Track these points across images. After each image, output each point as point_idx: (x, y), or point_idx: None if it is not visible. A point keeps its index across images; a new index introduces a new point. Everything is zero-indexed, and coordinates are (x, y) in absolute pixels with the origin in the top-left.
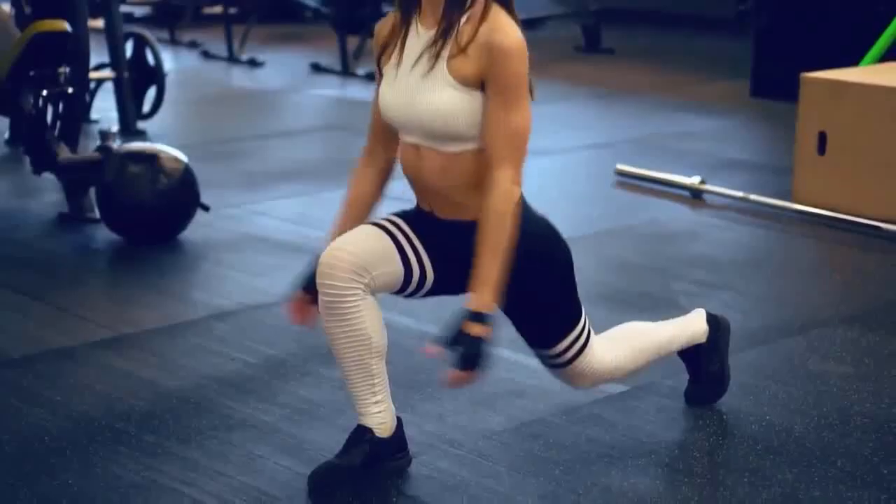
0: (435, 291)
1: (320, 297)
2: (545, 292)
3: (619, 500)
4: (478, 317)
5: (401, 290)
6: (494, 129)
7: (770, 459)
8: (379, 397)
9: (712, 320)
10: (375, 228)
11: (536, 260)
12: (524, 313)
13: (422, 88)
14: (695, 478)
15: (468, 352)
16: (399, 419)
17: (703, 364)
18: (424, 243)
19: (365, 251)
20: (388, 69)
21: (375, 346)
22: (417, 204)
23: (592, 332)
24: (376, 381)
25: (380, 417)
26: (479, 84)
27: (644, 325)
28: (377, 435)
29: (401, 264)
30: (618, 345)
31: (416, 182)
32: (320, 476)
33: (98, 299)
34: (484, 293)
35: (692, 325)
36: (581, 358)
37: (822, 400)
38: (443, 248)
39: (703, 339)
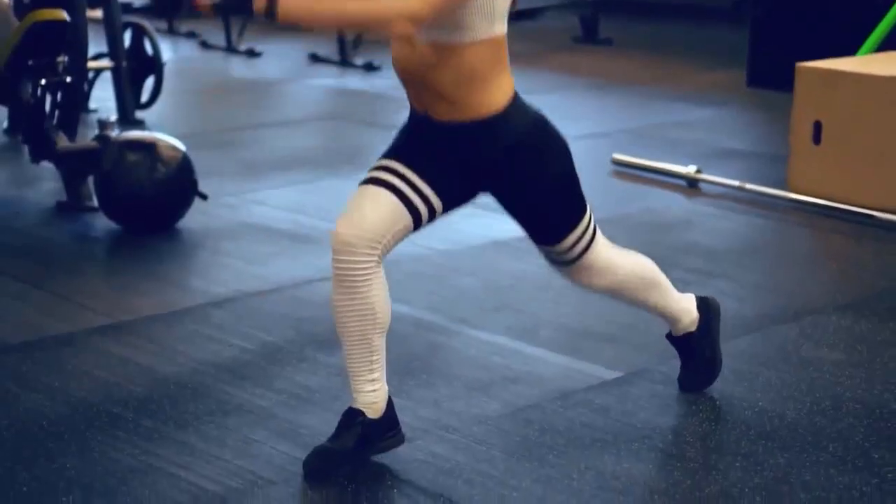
0: (447, 212)
1: (333, 271)
2: (546, 185)
3: (612, 484)
4: None
5: (416, 230)
6: None
7: (762, 444)
8: (375, 374)
9: (703, 306)
10: (377, 188)
11: (534, 151)
12: (528, 208)
13: None
14: (687, 462)
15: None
16: (389, 398)
17: (695, 350)
18: (423, 172)
19: (374, 222)
20: None
21: (380, 321)
22: (412, 110)
23: (599, 231)
24: (374, 357)
25: (373, 396)
26: None
27: (651, 262)
28: (368, 416)
29: (408, 215)
30: (631, 255)
31: (410, 81)
32: (314, 461)
33: (96, 287)
34: None
35: (682, 302)
36: (589, 253)
37: (815, 386)
38: (442, 162)
39: (692, 326)
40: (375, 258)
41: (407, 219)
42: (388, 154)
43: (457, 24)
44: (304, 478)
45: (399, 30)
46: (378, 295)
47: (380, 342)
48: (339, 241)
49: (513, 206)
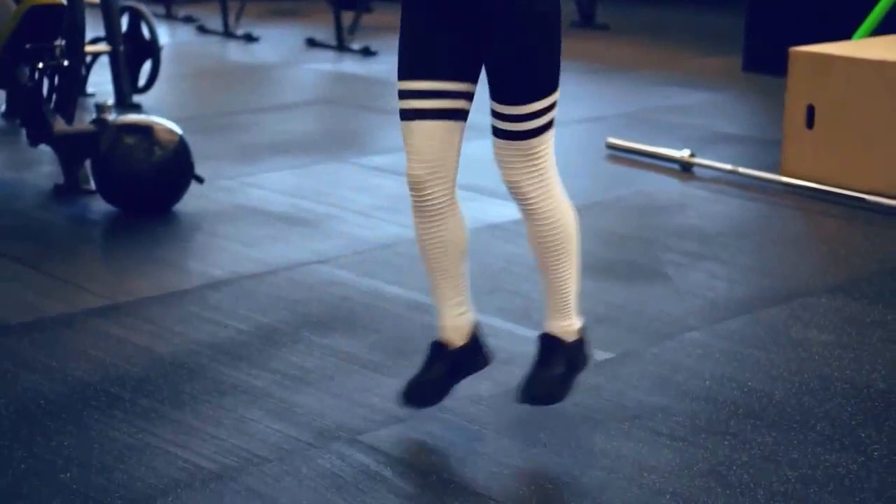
0: (478, 77)
1: (413, 205)
2: (529, 38)
3: (601, 462)
4: None
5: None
6: None
7: (751, 423)
8: (461, 297)
9: (582, 345)
10: (422, 122)
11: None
12: (504, 57)
13: None
14: (676, 441)
15: None
16: (476, 324)
17: (553, 359)
18: (441, 71)
19: (438, 153)
20: None
21: (463, 247)
22: None
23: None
24: (459, 282)
25: (460, 320)
26: None
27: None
28: (455, 345)
29: (458, 122)
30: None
31: None
32: (412, 393)
33: (94, 269)
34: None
35: (576, 305)
36: (544, 136)
37: (804, 367)
38: (445, 43)
39: (570, 338)
40: (450, 188)
41: (459, 125)
42: (405, 75)
43: None
44: (405, 405)
45: None
46: (457, 223)
47: (464, 267)
48: (414, 180)
49: (497, 52)
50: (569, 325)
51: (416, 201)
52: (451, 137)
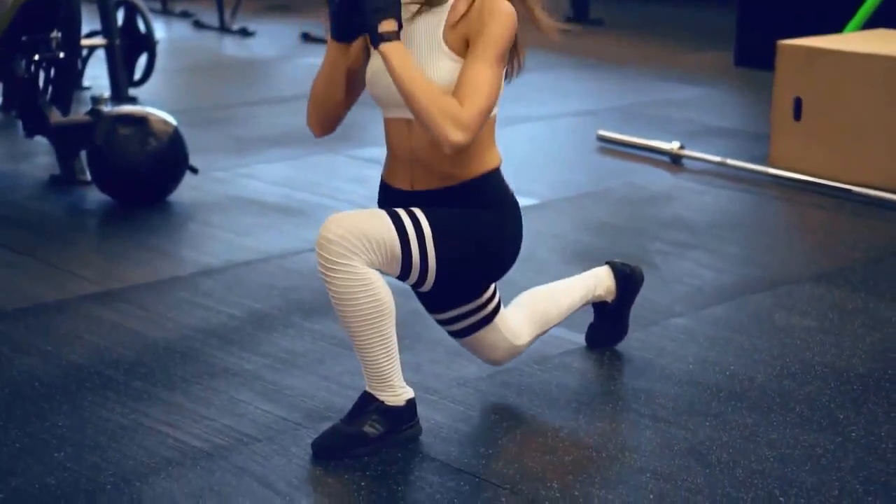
0: None
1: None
2: (475, 223)
3: (584, 441)
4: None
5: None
6: (462, 75)
7: (732, 405)
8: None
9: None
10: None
11: (493, 217)
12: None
13: (419, 63)
14: (659, 422)
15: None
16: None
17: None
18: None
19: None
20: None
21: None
22: (384, 186)
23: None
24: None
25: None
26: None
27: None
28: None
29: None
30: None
31: (400, 157)
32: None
33: (88, 256)
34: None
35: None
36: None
37: (786, 351)
38: None
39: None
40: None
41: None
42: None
43: None
44: (302, 442)
45: (440, 143)
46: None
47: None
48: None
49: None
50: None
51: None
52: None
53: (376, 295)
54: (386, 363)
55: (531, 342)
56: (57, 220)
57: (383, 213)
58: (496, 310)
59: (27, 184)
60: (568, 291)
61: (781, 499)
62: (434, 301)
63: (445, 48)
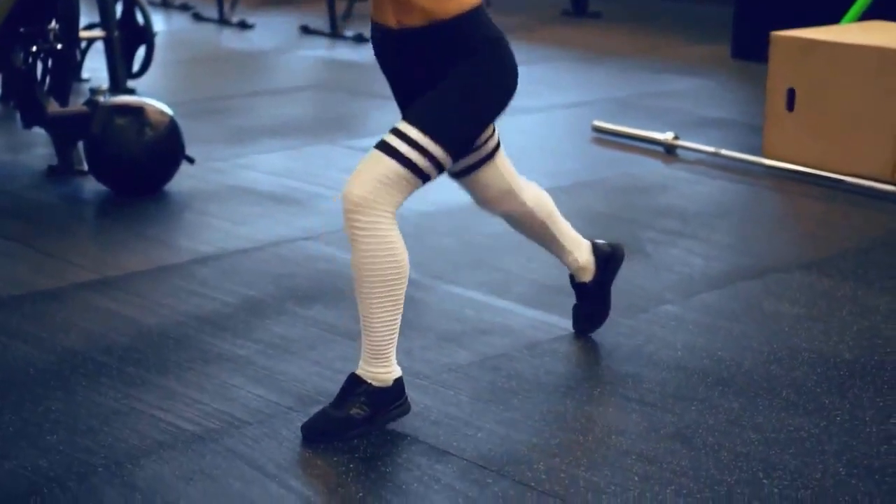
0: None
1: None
2: (467, 82)
3: (572, 425)
4: None
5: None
6: None
7: (718, 390)
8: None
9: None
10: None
11: (478, 56)
12: (437, 87)
13: None
14: (646, 406)
15: None
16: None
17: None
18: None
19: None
20: None
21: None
22: (374, 25)
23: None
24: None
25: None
26: None
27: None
28: (374, 385)
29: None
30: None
31: None
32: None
33: (85, 245)
34: None
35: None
36: (406, 170)
37: (774, 338)
38: (412, 79)
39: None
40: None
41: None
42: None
43: None
44: (292, 425)
45: None
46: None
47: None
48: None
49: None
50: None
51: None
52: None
53: (397, 258)
54: (388, 333)
55: (524, 209)
56: (54, 210)
57: (378, 153)
58: (496, 148)
59: (25, 174)
60: (562, 222)
61: (765, 481)
62: None
63: None
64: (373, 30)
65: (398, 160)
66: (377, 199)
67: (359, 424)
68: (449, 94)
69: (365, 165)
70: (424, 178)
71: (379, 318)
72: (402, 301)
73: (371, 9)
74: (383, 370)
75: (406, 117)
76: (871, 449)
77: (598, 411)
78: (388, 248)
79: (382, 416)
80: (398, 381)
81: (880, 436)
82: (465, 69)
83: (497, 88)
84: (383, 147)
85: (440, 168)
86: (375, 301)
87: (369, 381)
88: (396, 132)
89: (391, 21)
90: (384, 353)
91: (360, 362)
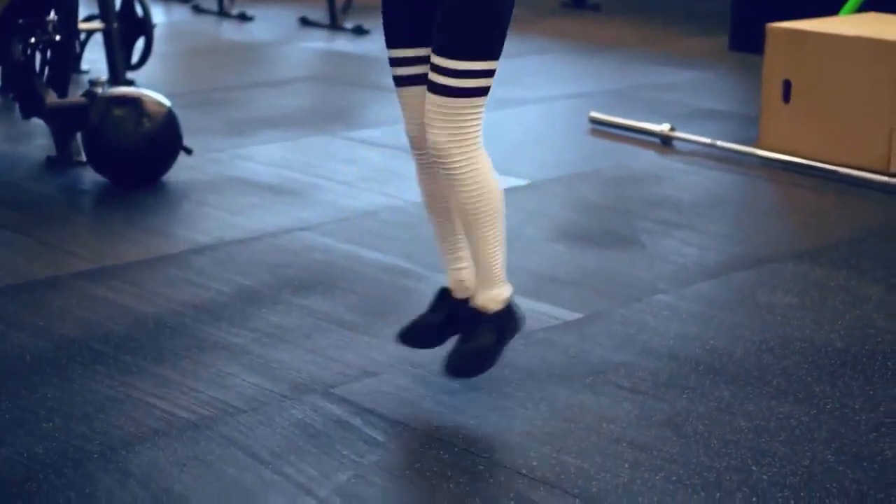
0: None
1: (415, 163)
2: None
3: (563, 413)
4: None
5: None
6: None
7: (710, 378)
8: (457, 254)
9: (510, 310)
10: (404, 89)
11: None
12: (443, 12)
13: None
14: (637, 394)
15: None
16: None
17: (478, 332)
18: (414, 39)
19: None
20: None
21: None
22: None
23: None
24: (454, 237)
25: (459, 275)
26: None
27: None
28: (455, 296)
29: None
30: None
31: None
32: (407, 333)
33: (83, 235)
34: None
35: (502, 270)
36: (472, 101)
37: (766, 327)
38: (418, 14)
39: (498, 305)
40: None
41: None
42: (387, 43)
43: None
44: (286, 413)
45: None
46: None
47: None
48: (409, 136)
49: (440, 9)
50: (496, 294)
51: (414, 155)
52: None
53: (495, 186)
54: (502, 254)
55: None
56: (52, 200)
57: (437, 97)
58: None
59: (24, 165)
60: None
61: (754, 468)
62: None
63: None
64: None
65: (458, 94)
66: (460, 137)
67: (494, 350)
68: (462, 8)
69: (433, 112)
70: (487, 90)
71: (495, 245)
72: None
73: None
74: (504, 289)
75: (439, 50)
76: (859, 437)
77: (589, 399)
78: (486, 181)
79: (511, 332)
80: (511, 299)
81: (869, 424)
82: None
83: (505, 7)
84: (439, 90)
85: (493, 73)
86: (489, 231)
87: (492, 306)
88: (441, 70)
89: None
90: (502, 274)
91: (477, 295)
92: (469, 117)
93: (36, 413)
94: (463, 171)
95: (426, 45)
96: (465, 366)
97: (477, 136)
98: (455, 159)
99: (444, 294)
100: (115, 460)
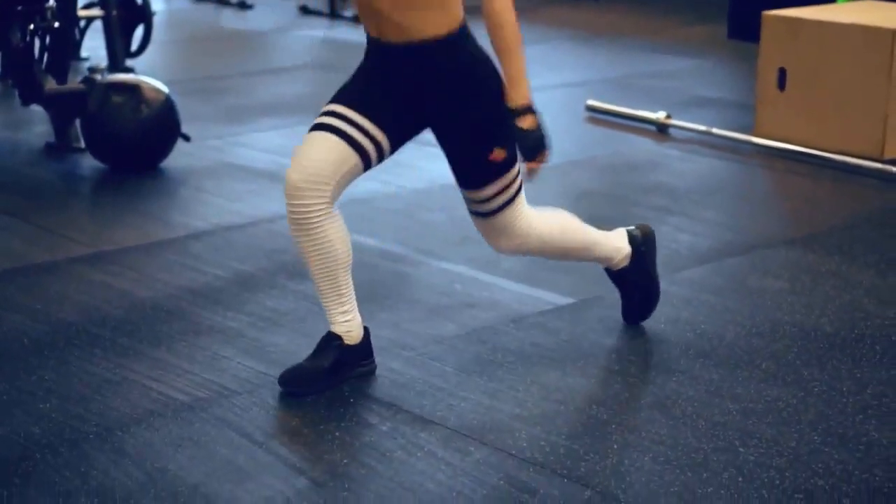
0: (394, 150)
1: (288, 215)
2: (480, 121)
3: (554, 396)
4: (523, 110)
5: (367, 170)
6: None
7: (700, 362)
8: (346, 307)
9: (636, 240)
10: (323, 133)
11: (473, 83)
12: (460, 145)
13: None
14: (628, 377)
15: (531, 142)
16: (366, 329)
17: (632, 283)
18: (368, 111)
19: (320, 166)
20: None
21: (342, 259)
22: (367, 41)
23: (524, 194)
24: (343, 291)
25: (347, 325)
26: None
27: (575, 219)
28: (345, 342)
29: (355, 155)
30: (550, 219)
31: (366, 8)
32: (289, 377)
33: (80, 220)
34: (518, 88)
35: (614, 240)
36: (508, 210)
37: (757, 311)
38: (385, 96)
39: (626, 262)
40: (326, 200)
41: (354, 159)
42: (333, 100)
43: None
44: (278, 394)
45: None
46: (335, 236)
47: (346, 277)
48: (289, 186)
49: (447, 140)
50: (614, 262)
51: (288, 211)
52: (342, 160)
53: (554, 221)
54: (598, 251)
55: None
56: (51, 186)
57: (491, 220)
58: (520, 189)
59: (23, 151)
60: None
61: (741, 449)
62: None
63: None
64: (368, 42)
65: (499, 211)
66: (518, 235)
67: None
68: (468, 144)
69: (488, 233)
70: (520, 189)
71: (585, 254)
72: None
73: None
74: (620, 250)
75: (465, 185)
76: (846, 418)
77: (580, 383)
78: (547, 227)
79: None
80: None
81: (856, 406)
82: (471, 112)
83: (503, 118)
84: (483, 215)
85: (518, 174)
86: (575, 254)
87: (623, 264)
88: (474, 201)
89: (393, 38)
90: (609, 251)
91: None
92: (514, 221)
93: (33, 394)
94: (533, 247)
95: (379, 126)
96: (640, 311)
97: (526, 227)
98: (516, 251)
99: (331, 338)
100: (110, 440)
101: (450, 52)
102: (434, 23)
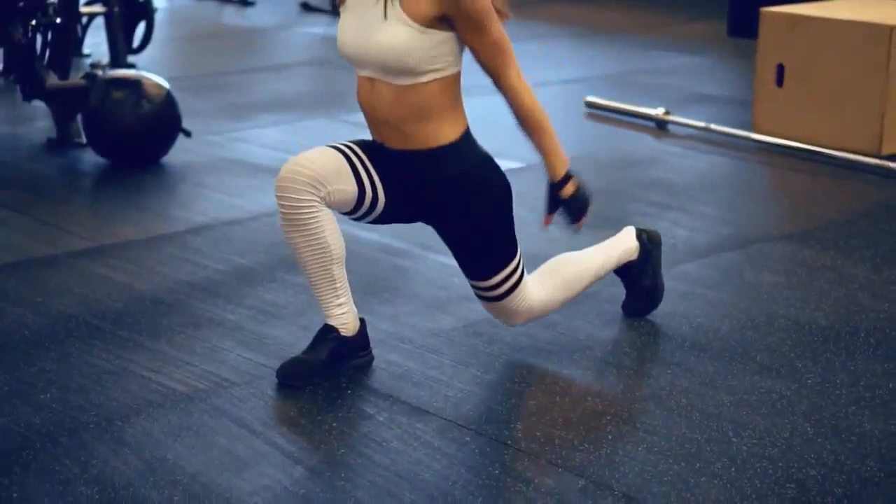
0: (384, 218)
1: (279, 212)
2: (482, 223)
3: (549, 387)
4: (564, 180)
5: (353, 211)
6: (479, 53)
7: (695, 354)
8: (342, 300)
9: (643, 237)
10: (333, 150)
11: (475, 187)
12: (461, 242)
13: (376, 26)
14: (623, 369)
15: (575, 207)
16: (363, 320)
17: (636, 278)
18: (378, 171)
19: (322, 167)
20: (347, 8)
21: (335, 254)
22: (371, 137)
23: (526, 272)
24: (338, 285)
25: (343, 318)
26: (438, 22)
27: (574, 257)
28: (341, 334)
29: (355, 184)
30: (549, 279)
31: (369, 114)
32: (287, 369)
33: (81, 215)
34: (556, 162)
35: (622, 245)
36: (513, 295)
37: (752, 305)
38: (394, 179)
39: (634, 255)
40: (318, 199)
41: (353, 187)
42: (353, 141)
43: (412, 70)
44: (276, 385)
45: None
46: (329, 232)
47: (340, 271)
48: (283, 177)
49: (449, 238)
50: (628, 258)
51: (280, 205)
52: (339, 175)
53: (562, 287)
54: (608, 266)
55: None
56: (52, 181)
57: (496, 305)
58: (523, 272)
59: (25, 146)
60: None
61: (734, 440)
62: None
63: (403, 16)
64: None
65: (504, 297)
66: (524, 309)
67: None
68: (470, 239)
69: (495, 314)
70: (523, 274)
71: (594, 278)
72: None
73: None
74: (629, 250)
75: (469, 275)
76: (839, 410)
77: (575, 374)
78: (549, 294)
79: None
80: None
81: (849, 398)
82: (471, 213)
83: (503, 214)
84: (489, 300)
85: (520, 261)
86: (581, 285)
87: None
88: (479, 289)
89: (393, 143)
90: (614, 262)
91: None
92: (518, 300)
93: (33, 385)
94: (547, 311)
95: (384, 188)
96: (645, 305)
97: (529, 302)
98: (536, 317)
99: (327, 330)
100: (110, 430)
101: (453, 158)
102: (442, 133)
